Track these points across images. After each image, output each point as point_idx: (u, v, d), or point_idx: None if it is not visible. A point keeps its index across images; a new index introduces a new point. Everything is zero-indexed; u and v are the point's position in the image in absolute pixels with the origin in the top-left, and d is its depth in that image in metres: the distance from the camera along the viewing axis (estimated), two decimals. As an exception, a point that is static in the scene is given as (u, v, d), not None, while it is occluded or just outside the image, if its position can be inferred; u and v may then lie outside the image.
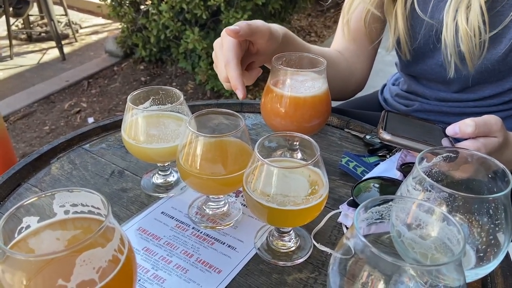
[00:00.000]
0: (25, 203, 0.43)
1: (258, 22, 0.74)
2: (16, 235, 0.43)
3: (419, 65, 0.93)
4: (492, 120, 0.62)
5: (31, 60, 3.59)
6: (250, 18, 2.73)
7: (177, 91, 0.74)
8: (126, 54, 3.41)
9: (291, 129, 0.77)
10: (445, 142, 0.67)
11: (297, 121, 0.77)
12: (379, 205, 0.45)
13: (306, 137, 0.61)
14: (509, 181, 0.46)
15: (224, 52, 0.71)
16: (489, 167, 0.50)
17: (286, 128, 0.77)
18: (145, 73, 3.28)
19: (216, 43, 0.75)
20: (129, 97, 0.71)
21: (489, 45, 0.79)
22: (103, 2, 3.14)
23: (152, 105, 0.75)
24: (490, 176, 0.50)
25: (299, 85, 0.76)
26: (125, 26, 3.17)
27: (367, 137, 0.88)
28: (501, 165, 0.48)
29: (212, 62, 3.12)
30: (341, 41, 1.00)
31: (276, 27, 0.80)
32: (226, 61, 0.71)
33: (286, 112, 0.76)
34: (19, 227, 0.44)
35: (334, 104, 1.03)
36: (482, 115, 0.64)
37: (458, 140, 0.67)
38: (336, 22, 4.51)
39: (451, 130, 0.63)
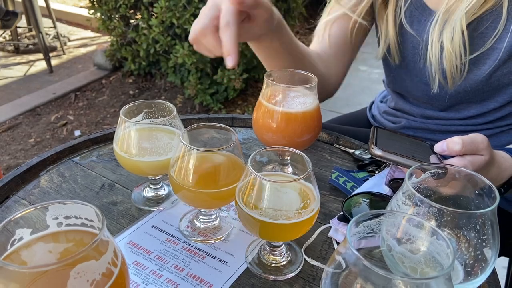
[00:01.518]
0: (18, 215, 0.43)
1: None
2: (8, 247, 0.43)
3: (406, 81, 0.95)
4: (478, 138, 0.64)
5: (17, 72, 3.56)
6: (239, 34, 2.77)
7: (170, 104, 0.75)
8: (114, 67, 3.41)
9: (283, 144, 0.78)
10: (433, 158, 0.68)
11: (289, 136, 0.78)
12: (370, 219, 0.46)
13: (298, 151, 0.62)
14: (495, 197, 0.48)
15: (223, 14, 0.66)
16: (476, 183, 0.52)
17: (277, 143, 0.79)
18: (134, 86, 3.27)
19: (209, 7, 0.69)
20: (122, 110, 0.72)
21: (473, 66, 0.82)
22: (92, 16, 3.14)
23: (144, 118, 0.76)
24: (477, 192, 0.51)
25: (290, 101, 0.77)
26: (114, 39, 3.18)
27: (356, 152, 0.90)
28: (488, 182, 0.49)
29: (201, 77, 3.14)
30: (320, 44, 1.00)
31: (275, 10, 0.78)
32: (225, 23, 0.65)
33: (278, 127, 0.77)
34: (11, 239, 0.43)
35: (324, 120, 1.04)
36: (468, 133, 0.67)
37: (445, 157, 0.69)
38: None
39: (439, 147, 0.65)
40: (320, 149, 0.94)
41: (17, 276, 0.39)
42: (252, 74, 3.20)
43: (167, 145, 0.71)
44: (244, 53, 2.92)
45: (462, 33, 0.77)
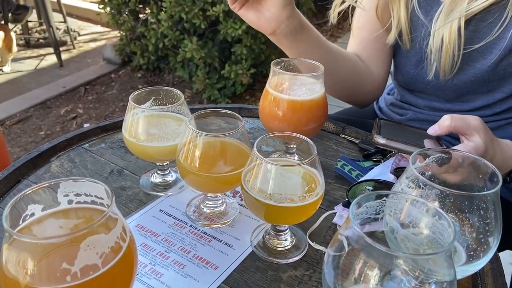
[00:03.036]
0: (30, 191, 0.45)
1: None
2: (21, 222, 0.44)
3: (412, 71, 0.95)
4: (469, 116, 0.66)
5: (28, 65, 3.60)
6: (248, 28, 2.77)
7: (178, 91, 0.76)
8: (124, 61, 3.43)
9: (289, 132, 0.79)
10: (428, 143, 0.69)
11: (294, 124, 0.79)
12: (373, 200, 0.47)
13: (304, 137, 0.63)
14: (498, 181, 0.48)
15: None
16: (479, 168, 0.52)
17: (283, 131, 0.79)
18: (143, 81, 3.30)
19: None
20: (131, 96, 0.73)
21: (480, 55, 0.82)
22: (102, 10, 3.17)
23: (153, 105, 0.77)
24: (480, 177, 0.52)
25: (297, 89, 0.78)
26: (123, 34, 3.20)
27: (362, 143, 0.90)
28: (491, 165, 0.50)
29: (209, 72, 3.15)
30: (355, 47, 1.01)
31: (299, 13, 0.83)
32: None
33: (284, 115, 0.78)
34: (24, 215, 0.45)
35: (330, 112, 1.05)
36: None
37: (446, 145, 0.69)
38: (332, 35, 4.58)
39: (432, 129, 0.68)
40: (326, 139, 0.95)
41: (30, 247, 0.40)
42: (260, 70, 3.20)
43: (174, 131, 0.73)
44: (252, 48, 2.92)
45: (460, 26, 0.78)
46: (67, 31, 3.82)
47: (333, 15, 0.98)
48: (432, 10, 0.85)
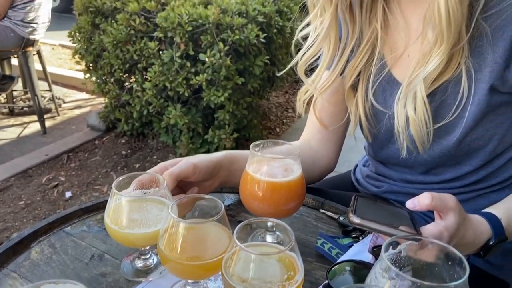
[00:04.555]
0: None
1: (182, 165, 0.83)
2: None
3: (383, 150, 1.01)
4: (447, 196, 0.69)
5: (11, 133, 3.60)
6: (230, 95, 2.87)
7: (160, 176, 0.78)
8: (108, 128, 3.47)
9: (269, 212, 0.82)
10: (402, 227, 0.70)
11: (274, 205, 0.81)
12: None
13: (282, 222, 0.65)
14: (465, 268, 0.51)
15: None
16: (448, 255, 0.55)
17: (263, 211, 0.82)
18: (126, 146, 3.32)
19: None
20: (114, 183, 0.75)
21: (444, 132, 0.87)
22: (88, 80, 3.26)
23: (136, 189, 0.79)
24: (450, 263, 0.54)
25: (275, 171, 0.81)
26: (108, 101, 3.27)
27: (341, 218, 0.92)
28: (458, 253, 0.53)
29: (193, 137, 3.21)
30: (308, 131, 1.09)
31: (208, 157, 0.90)
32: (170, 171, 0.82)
33: (264, 196, 0.81)
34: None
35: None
36: None
37: (420, 223, 0.72)
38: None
39: (410, 203, 0.70)
40: (306, 214, 0.97)
41: None
42: (242, 134, 3.28)
43: (156, 216, 0.74)
44: (235, 113, 3.01)
45: (424, 102, 0.83)
46: (52, 99, 3.88)
47: (299, 104, 1.05)
48: (391, 95, 0.92)
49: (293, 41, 1.02)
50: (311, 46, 0.96)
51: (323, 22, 0.92)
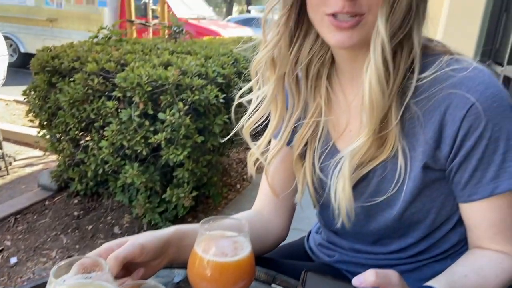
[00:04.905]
0: None
1: (128, 247, 0.79)
2: None
3: (328, 218, 1.02)
4: (391, 272, 0.71)
5: (-46, 194, 3.39)
6: (189, 154, 2.86)
7: (102, 260, 0.75)
8: (60, 188, 3.34)
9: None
10: None
11: (224, 285, 0.79)
12: None
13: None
14: None
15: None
16: None
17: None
18: (79, 207, 3.19)
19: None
20: (52, 269, 0.71)
21: (386, 205, 0.91)
22: (41, 138, 3.17)
23: (77, 274, 0.75)
24: None
25: (224, 250, 0.80)
26: (62, 160, 3.17)
27: (293, 293, 0.91)
28: None
29: (150, 196, 3.13)
30: (260, 200, 1.09)
31: (156, 235, 0.87)
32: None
33: (212, 276, 0.78)
34: None
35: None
36: (394, 267, 0.74)
37: None
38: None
39: (356, 281, 0.71)
40: (258, 290, 0.95)
41: None
42: (202, 191, 3.24)
43: (97, 304, 0.70)
44: (194, 171, 2.99)
45: (349, 179, 0.86)
46: (2, 157, 3.72)
47: (250, 166, 1.05)
48: (336, 168, 0.95)
49: (233, 108, 1.02)
50: (255, 111, 0.97)
51: (266, 90, 0.95)
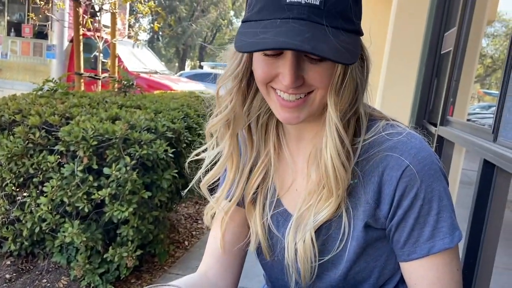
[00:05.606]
0: None
1: None
2: None
3: (279, 281, 1.01)
4: None
5: None
6: (135, 210, 2.76)
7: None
8: (-10, 248, 3.06)
9: None
10: None
11: None
12: None
13: None
14: None
15: None
16: None
17: None
18: (12, 269, 2.93)
19: None
20: None
21: (331, 265, 0.92)
22: (-28, 193, 2.93)
23: None
24: None
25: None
26: (-5, 218, 2.94)
27: None
28: None
29: (91, 255, 2.93)
30: (206, 262, 1.06)
31: None
32: None
33: None
34: None
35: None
36: None
37: None
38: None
39: None
40: None
41: None
42: (147, 249, 3.10)
43: None
44: (140, 228, 2.87)
45: (311, 238, 0.88)
46: None
47: (206, 218, 1.05)
48: (284, 225, 0.96)
49: (186, 163, 1.03)
50: (211, 165, 0.98)
51: (222, 147, 0.96)
